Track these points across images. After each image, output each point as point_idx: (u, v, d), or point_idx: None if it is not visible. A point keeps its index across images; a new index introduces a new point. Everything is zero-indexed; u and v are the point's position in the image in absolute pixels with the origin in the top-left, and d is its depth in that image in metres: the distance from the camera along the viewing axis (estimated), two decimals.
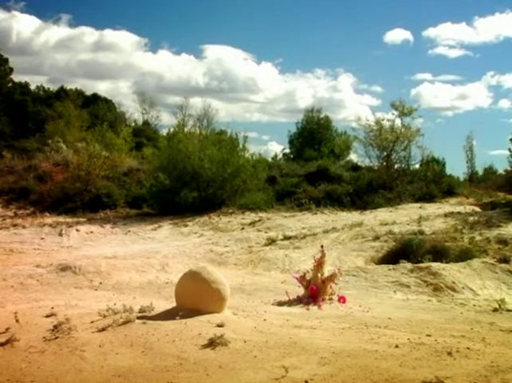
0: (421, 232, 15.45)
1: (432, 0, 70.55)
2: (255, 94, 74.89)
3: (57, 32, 66.93)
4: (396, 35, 72.57)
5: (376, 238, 15.16)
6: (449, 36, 77.00)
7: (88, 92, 47.55)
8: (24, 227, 18.57)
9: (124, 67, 66.83)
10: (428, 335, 6.43)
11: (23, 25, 64.81)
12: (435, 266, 11.19)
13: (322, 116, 42.29)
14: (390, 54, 70.12)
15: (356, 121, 27.89)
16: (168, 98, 78.03)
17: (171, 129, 30.02)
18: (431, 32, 75.29)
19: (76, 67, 64.44)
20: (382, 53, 70.67)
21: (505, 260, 12.01)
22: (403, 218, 18.75)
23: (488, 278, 10.97)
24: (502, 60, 69.12)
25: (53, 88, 47.77)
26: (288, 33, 73.59)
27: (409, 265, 11.61)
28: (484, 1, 71.02)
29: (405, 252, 13.12)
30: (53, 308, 7.42)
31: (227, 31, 69.79)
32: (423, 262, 11.85)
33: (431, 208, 21.15)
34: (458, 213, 19.47)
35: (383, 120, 26.88)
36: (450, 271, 10.88)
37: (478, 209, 20.96)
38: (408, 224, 17.31)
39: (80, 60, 65.43)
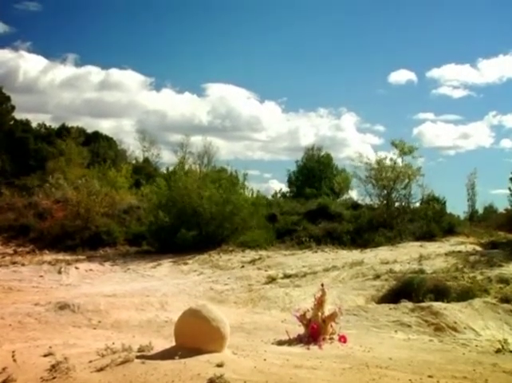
0: (422, 271, 15.36)
1: (437, 42, 71.71)
2: (258, 132, 75.54)
3: (64, 71, 67.83)
4: (401, 76, 73.52)
5: (377, 276, 15.08)
6: (453, 77, 78.05)
7: (91, 130, 47.99)
8: (23, 265, 18.48)
9: (128, 105, 67.49)
10: (430, 376, 6.35)
11: (30, 64, 65.71)
12: (437, 305, 11.12)
13: (323, 154, 42.51)
14: (393, 94, 71.04)
15: (356, 159, 27.98)
16: (171, 136, 78.90)
17: (172, 167, 30.19)
18: (434, 72, 76.38)
19: (81, 105, 65.09)
20: (385, 92, 71.56)
21: (506, 300, 11.93)
22: (403, 256, 18.67)
23: (490, 319, 10.88)
24: (504, 100, 70.07)
25: (55, 125, 48.20)
26: (291, 72, 74.58)
27: (410, 304, 11.53)
28: (488, 43, 72.27)
29: (406, 291, 13.04)
30: (50, 347, 7.35)
31: (230, 70, 70.75)
32: (424, 302, 11.77)
33: (431, 247, 21.07)
34: (459, 252, 19.39)
35: (384, 158, 26.98)
36: (451, 311, 10.80)
37: (478, 248, 20.88)
38: (409, 263, 17.23)
39: (85, 98, 66.12)
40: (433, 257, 18.38)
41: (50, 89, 66.50)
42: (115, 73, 69.64)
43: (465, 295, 12.53)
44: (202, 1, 74.00)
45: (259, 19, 75.54)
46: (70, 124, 47.58)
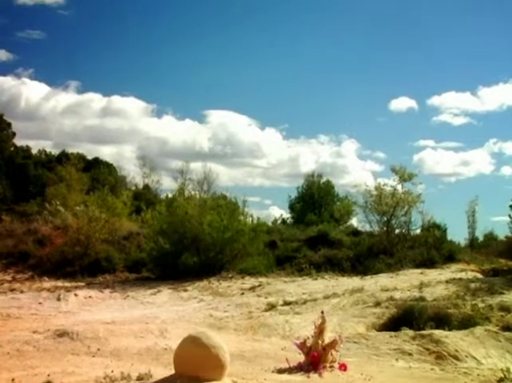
0: (423, 298, 15.30)
1: (437, 70, 72.59)
2: (259, 159, 75.72)
3: (65, 98, 68.24)
4: (402, 103, 73.93)
5: (377, 304, 15.01)
6: (453, 104, 78.62)
7: (92, 156, 48.18)
8: (22, 292, 18.39)
9: (130, 132, 67.77)
10: None
11: (32, 91, 66.14)
12: (438, 333, 11.05)
13: (323, 180, 42.60)
14: (394, 121, 71.58)
15: (356, 186, 28.05)
16: (172, 163, 79.08)
17: (171, 193, 30.21)
18: (435, 100, 76.95)
19: (82, 132, 65.41)
20: (386, 119, 72.12)
21: (508, 328, 11.87)
22: (404, 284, 18.61)
23: (492, 347, 10.81)
24: (504, 128, 70.60)
25: (55, 152, 48.43)
26: (292, 100, 75.18)
27: (411, 332, 11.46)
28: (488, 71, 73.09)
29: (407, 319, 12.96)
30: (49, 375, 7.30)
31: (231, 97, 71.30)
32: (425, 330, 11.71)
33: (432, 274, 21.01)
34: (460, 279, 19.33)
35: (384, 185, 27.03)
36: (452, 339, 10.74)
37: (479, 275, 20.82)
38: (409, 290, 17.16)
39: (86, 125, 66.46)
40: (434, 284, 18.32)
41: (52, 116, 66.93)
42: (117, 100, 70.11)
43: (466, 323, 12.47)
44: (203, 30, 74.84)
45: (259, 47, 76.39)
46: (71, 150, 47.85)
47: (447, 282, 18.82)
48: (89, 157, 48.04)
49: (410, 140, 75.26)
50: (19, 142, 47.55)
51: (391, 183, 27.25)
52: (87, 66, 72.16)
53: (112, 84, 77.66)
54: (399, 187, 27.09)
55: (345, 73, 75.28)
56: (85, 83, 79.77)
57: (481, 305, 14.62)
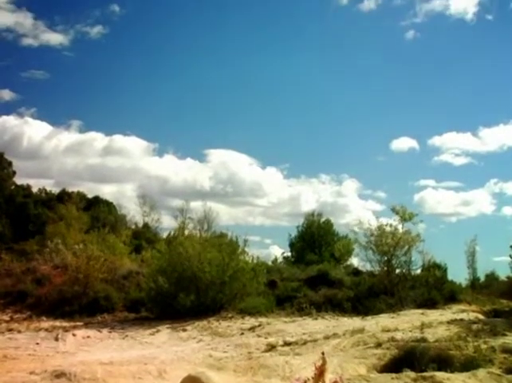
0: (424, 339, 15.14)
1: (438, 110, 73.21)
2: (260, 198, 75.80)
3: (67, 137, 68.72)
4: (403, 143, 74.20)
5: (378, 345, 14.84)
6: (454, 144, 79.06)
7: (92, 195, 48.33)
8: (19, 332, 18.26)
9: (131, 171, 68.05)
10: None
11: (34, 130, 66.68)
12: (440, 375, 10.90)
13: (323, 219, 42.60)
14: (395, 161, 71.97)
15: (356, 225, 28.05)
16: (173, 201, 79.16)
17: (171, 232, 30.21)
18: (436, 140, 76.93)
19: (83, 171, 65.63)
20: (387, 159, 72.51)
21: (511, 371, 11.71)
22: (405, 324, 18.45)
23: None
24: (505, 168, 70.94)
25: (55, 190, 48.57)
26: (293, 139, 75.67)
27: (412, 374, 11.30)
28: (489, 112, 73.94)
29: (408, 360, 12.80)
30: None
31: (232, 137, 71.87)
32: (426, 371, 11.55)
33: (433, 315, 20.86)
34: (462, 320, 19.18)
35: (385, 225, 27.02)
36: (455, 381, 10.59)
37: (481, 316, 20.66)
38: (411, 331, 17.00)
39: (87, 164, 66.78)
40: (435, 325, 18.16)
41: (54, 155, 67.30)
42: (119, 139, 70.41)
43: (469, 365, 12.30)
44: (204, 70, 75.67)
45: (259, 88, 77.18)
46: (72, 189, 48.06)
47: (448, 322, 18.65)
48: (90, 196, 48.27)
49: (411, 180, 75.55)
50: (21, 181, 47.86)
51: (391, 222, 27.27)
52: (89, 106, 72.97)
53: (114, 124, 78.58)
54: (399, 226, 27.11)
55: (346, 113, 76.00)
56: (87, 122, 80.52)
57: (483, 346, 14.45)
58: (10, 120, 66.88)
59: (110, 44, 74.90)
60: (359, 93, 75.33)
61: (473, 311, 21.99)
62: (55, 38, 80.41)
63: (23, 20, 74.18)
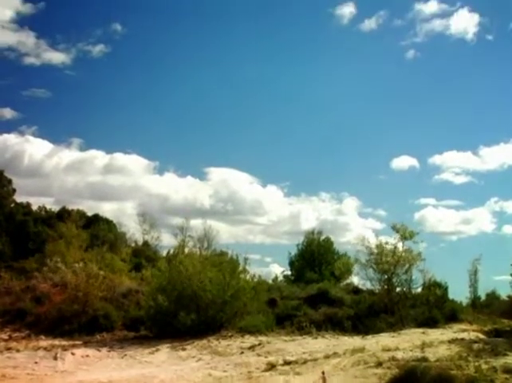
0: (425, 359, 15.06)
1: (439, 129, 73.75)
2: (260, 216, 75.85)
3: (68, 155, 68.97)
4: (403, 162, 74.35)
5: (379, 364, 14.75)
6: (454, 163, 79.32)
7: (92, 213, 48.30)
8: (18, 351, 18.15)
9: (131, 189, 68.29)
10: None
11: (35, 148, 67.03)
12: None
13: (323, 237, 42.54)
14: (395, 179, 72.33)
15: (356, 244, 27.99)
16: (173, 219, 79.20)
17: (172, 250, 30.16)
18: (436, 159, 77.17)
19: (84, 189, 65.92)
20: (387, 178, 72.78)
21: None
22: (405, 343, 18.37)
23: None
24: (505, 187, 71.25)
25: (55, 208, 48.54)
26: (294, 157, 76.07)
27: None
28: (489, 131, 74.55)
29: (409, 380, 12.72)
30: None
31: (233, 155, 72.18)
32: None
33: (434, 334, 20.77)
34: (463, 340, 19.09)
35: (386, 243, 26.97)
36: None
37: (482, 336, 20.57)
38: (411, 350, 16.92)
39: (88, 182, 67.04)
40: (436, 344, 18.09)
41: (55, 173, 67.63)
42: (119, 158, 70.71)
43: None
44: (204, 87, 76.15)
45: (260, 107, 77.66)
46: (72, 207, 48.04)
47: (449, 342, 18.58)
48: (90, 214, 48.22)
49: (411, 198, 75.79)
50: (21, 199, 47.85)
51: (391, 241, 27.22)
52: (90, 124, 73.25)
53: (114, 142, 78.93)
54: (399, 245, 27.05)
55: (347, 132, 76.48)
56: (88, 140, 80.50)
57: (484, 366, 14.36)
58: (11, 139, 67.34)
59: (111, 62, 75.60)
60: (359, 112, 75.88)
61: (474, 331, 21.91)
62: (57, 57, 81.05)
63: (25, 39, 74.74)
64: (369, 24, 77.04)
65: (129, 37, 74.00)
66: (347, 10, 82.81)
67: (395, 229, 27.30)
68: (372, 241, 27.45)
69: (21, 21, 70.81)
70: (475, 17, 76.56)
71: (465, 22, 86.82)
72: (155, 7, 76.34)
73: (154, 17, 77.23)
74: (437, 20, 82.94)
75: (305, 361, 15.89)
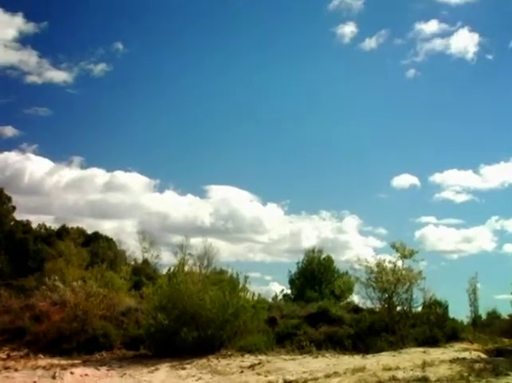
0: (426, 378, 14.99)
1: (440, 147, 74.42)
2: (260, 235, 76.07)
3: (69, 173, 69.27)
4: (404, 180, 74.77)
5: None
6: (455, 182, 79.68)
7: (92, 231, 48.34)
8: (16, 370, 18.03)
9: (131, 207, 68.70)
10: None
11: (36, 166, 67.39)
12: None
13: (324, 256, 42.49)
14: (396, 198, 72.81)
15: (356, 262, 27.90)
16: (173, 237, 79.24)
17: (171, 268, 30.04)
18: (437, 177, 77.64)
19: (84, 207, 66.29)
20: (388, 196, 73.12)
21: None
22: (406, 363, 18.25)
23: None
24: (506, 205, 71.65)
25: (55, 226, 48.56)
26: (294, 176, 76.49)
27: None
28: (490, 150, 75.01)
29: None
30: None
31: (233, 173, 72.73)
32: None
33: (435, 353, 20.65)
34: (464, 359, 18.97)
35: (385, 261, 26.89)
36: None
37: (483, 355, 20.45)
38: (412, 370, 16.81)
39: (88, 200, 67.38)
40: (437, 364, 17.96)
41: (55, 191, 68.02)
42: (120, 176, 71.03)
43: None
44: (204, 105, 76.58)
45: (261, 124, 78.11)
46: (72, 224, 48.11)
47: (450, 361, 18.46)
48: (90, 231, 48.26)
49: (412, 217, 76.24)
50: (22, 216, 48.06)
51: (391, 259, 27.14)
52: (91, 142, 73.81)
53: (115, 160, 79.36)
54: (399, 263, 26.96)
55: (347, 150, 76.80)
56: (89, 158, 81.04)
57: None
58: (12, 156, 67.79)
59: (113, 81, 76.29)
60: (360, 130, 76.28)
61: (475, 350, 21.78)
62: (59, 76, 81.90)
63: (28, 58, 75.53)
64: (370, 43, 77.93)
65: (130, 56, 74.91)
66: (348, 30, 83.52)
67: (394, 247, 27.25)
68: (371, 260, 27.38)
69: (24, 40, 71.82)
70: (475, 37, 77.81)
71: (465, 42, 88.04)
72: (157, 26, 77.30)
73: (155, 36, 78.13)
74: (437, 39, 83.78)
75: (306, 381, 15.81)
